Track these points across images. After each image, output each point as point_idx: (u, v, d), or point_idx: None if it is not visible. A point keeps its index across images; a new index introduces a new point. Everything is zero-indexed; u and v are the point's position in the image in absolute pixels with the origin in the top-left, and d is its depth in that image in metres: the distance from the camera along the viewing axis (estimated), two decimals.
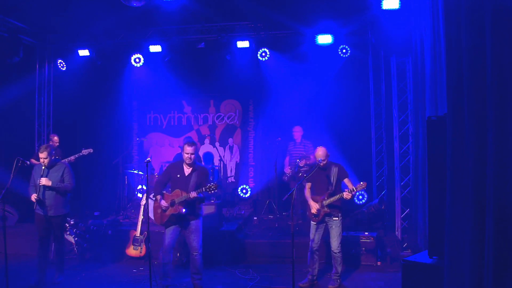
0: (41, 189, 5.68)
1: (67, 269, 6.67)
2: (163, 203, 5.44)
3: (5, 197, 5.28)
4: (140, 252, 6.92)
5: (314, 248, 5.85)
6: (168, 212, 5.45)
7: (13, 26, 8.65)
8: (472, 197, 3.26)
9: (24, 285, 5.80)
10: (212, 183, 5.30)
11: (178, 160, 5.71)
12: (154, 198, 5.82)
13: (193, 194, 5.29)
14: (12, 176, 5.45)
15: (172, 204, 5.44)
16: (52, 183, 5.69)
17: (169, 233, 5.51)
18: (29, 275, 5.93)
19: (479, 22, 3.19)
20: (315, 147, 8.01)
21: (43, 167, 5.73)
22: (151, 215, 6.53)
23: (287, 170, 8.36)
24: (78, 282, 6.22)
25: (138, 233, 6.90)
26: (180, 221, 5.51)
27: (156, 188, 5.65)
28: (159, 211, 5.54)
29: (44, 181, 5.64)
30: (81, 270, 6.69)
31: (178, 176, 5.55)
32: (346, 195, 5.53)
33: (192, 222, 5.51)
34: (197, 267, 5.54)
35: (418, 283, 4.15)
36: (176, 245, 6.03)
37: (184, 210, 5.40)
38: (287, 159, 8.53)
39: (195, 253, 5.52)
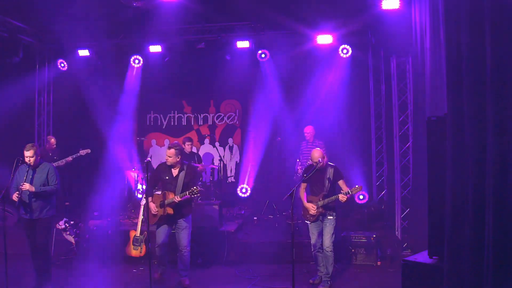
0: (25, 192, 5.36)
1: (67, 269, 6.69)
2: (152, 205, 5.68)
3: (5, 197, 5.26)
4: (140, 252, 6.91)
5: (317, 248, 5.90)
6: (158, 214, 5.70)
7: (13, 26, 8.64)
8: (472, 197, 3.26)
9: (24, 285, 5.78)
10: (194, 187, 5.49)
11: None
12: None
13: (177, 199, 5.54)
14: (12, 176, 5.43)
15: (161, 205, 5.70)
16: (35, 188, 5.36)
17: (161, 231, 5.78)
18: (29, 275, 5.90)
19: (479, 22, 3.19)
20: (327, 146, 8.05)
21: (27, 168, 5.41)
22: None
23: (299, 170, 8.34)
24: (78, 282, 6.22)
25: (138, 233, 6.89)
26: (170, 220, 5.78)
27: (148, 190, 5.85)
28: (151, 211, 5.78)
29: (27, 186, 5.30)
30: (81, 270, 6.69)
31: (167, 178, 5.75)
32: (342, 197, 5.58)
33: (181, 220, 5.76)
34: (185, 263, 5.82)
35: (418, 283, 4.15)
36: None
37: (172, 211, 5.66)
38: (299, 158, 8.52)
39: (183, 250, 5.78)
